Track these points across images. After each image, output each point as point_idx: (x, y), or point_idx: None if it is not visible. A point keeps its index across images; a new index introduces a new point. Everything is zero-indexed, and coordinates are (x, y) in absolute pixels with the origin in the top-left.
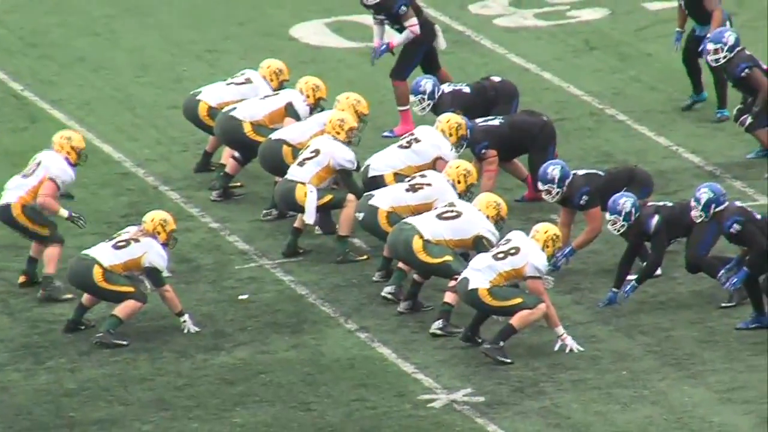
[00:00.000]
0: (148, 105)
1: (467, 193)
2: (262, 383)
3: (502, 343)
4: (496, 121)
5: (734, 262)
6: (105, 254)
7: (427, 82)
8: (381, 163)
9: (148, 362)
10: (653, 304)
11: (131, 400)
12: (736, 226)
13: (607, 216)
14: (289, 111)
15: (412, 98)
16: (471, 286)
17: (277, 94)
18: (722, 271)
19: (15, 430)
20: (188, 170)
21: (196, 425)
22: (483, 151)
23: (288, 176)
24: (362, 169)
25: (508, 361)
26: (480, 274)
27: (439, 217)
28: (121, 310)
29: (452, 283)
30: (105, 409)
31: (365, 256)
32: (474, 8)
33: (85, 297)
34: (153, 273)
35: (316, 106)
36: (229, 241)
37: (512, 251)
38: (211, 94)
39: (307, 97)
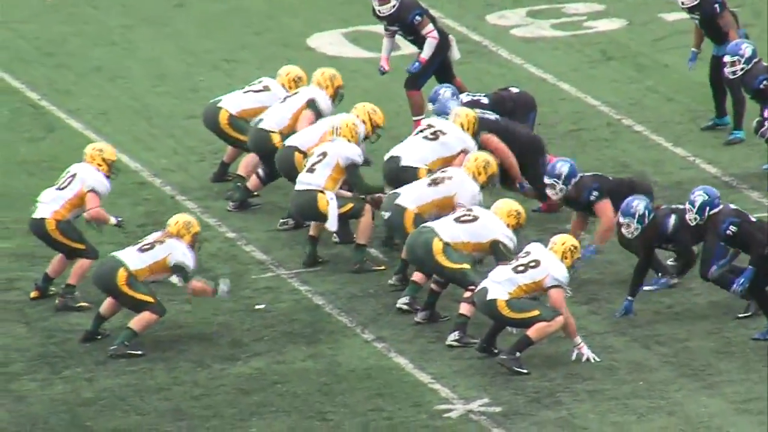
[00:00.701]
0: (164, 115)
1: (489, 185)
2: (278, 393)
3: (518, 354)
4: (494, 116)
5: (727, 259)
6: (131, 257)
7: (446, 91)
8: (414, 155)
9: (165, 372)
10: (669, 314)
11: (148, 410)
12: (732, 228)
13: (621, 219)
14: (312, 107)
15: (430, 107)
16: (489, 297)
17: (296, 93)
18: (714, 268)
19: None
20: (205, 180)
21: None
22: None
23: (300, 186)
24: (387, 158)
25: (524, 371)
26: (499, 286)
27: (457, 220)
28: (137, 322)
29: (467, 294)
30: (121, 418)
31: (382, 267)
32: (491, 18)
33: (103, 307)
34: (180, 269)
35: (336, 96)
36: (245, 250)
37: (532, 264)
38: (231, 102)
39: (326, 88)
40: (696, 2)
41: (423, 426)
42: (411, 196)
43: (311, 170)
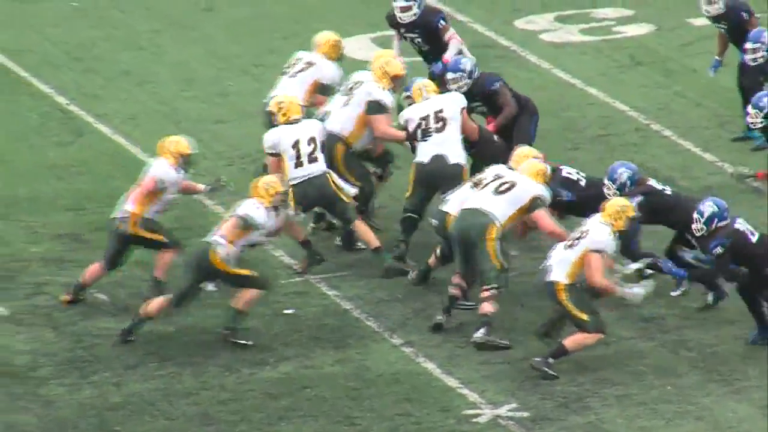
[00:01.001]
0: (193, 119)
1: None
2: (306, 398)
3: (551, 360)
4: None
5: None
6: (215, 238)
7: (467, 62)
8: (461, 156)
9: (193, 377)
10: (698, 319)
11: (176, 415)
12: (719, 249)
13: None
14: (374, 109)
15: (450, 75)
16: (550, 279)
17: (351, 95)
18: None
19: None
20: (233, 184)
21: None
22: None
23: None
24: (431, 157)
25: (553, 374)
26: (557, 268)
27: (497, 192)
28: (240, 301)
29: (485, 294)
30: (149, 423)
31: (411, 266)
32: (520, 23)
33: (144, 308)
34: (246, 221)
35: (393, 84)
36: (275, 255)
37: (582, 236)
38: (278, 93)
39: (381, 80)
40: (721, 11)
41: (451, 430)
42: (456, 203)
43: (314, 159)
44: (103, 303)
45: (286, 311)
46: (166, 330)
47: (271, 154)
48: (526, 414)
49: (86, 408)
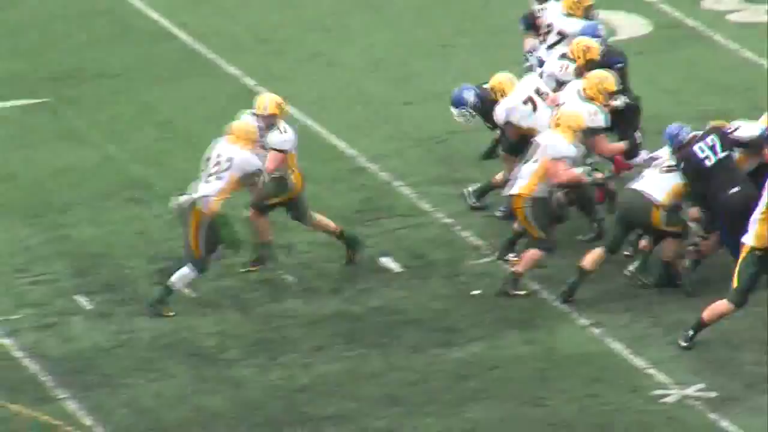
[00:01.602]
0: (380, 101)
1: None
2: (494, 378)
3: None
4: None
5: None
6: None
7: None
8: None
9: (381, 358)
10: None
11: (363, 396)
12: None
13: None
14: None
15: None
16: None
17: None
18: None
19: (249, 424)
20: (420, 165)
21: (430, 421)
22: None
23: None
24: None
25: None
26: (519, 181)
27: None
28: (521, 263)
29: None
30: (337, 405)
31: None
32: (706, 3)
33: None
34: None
35: (587, 67)
36: (462, 236)
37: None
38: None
39: (577, 58)
40: None
41: (639, 411)
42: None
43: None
44: (290, 284)
45: (473, 292)
46: (353, 311)
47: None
48: (713, 394)
49: (274, 389)
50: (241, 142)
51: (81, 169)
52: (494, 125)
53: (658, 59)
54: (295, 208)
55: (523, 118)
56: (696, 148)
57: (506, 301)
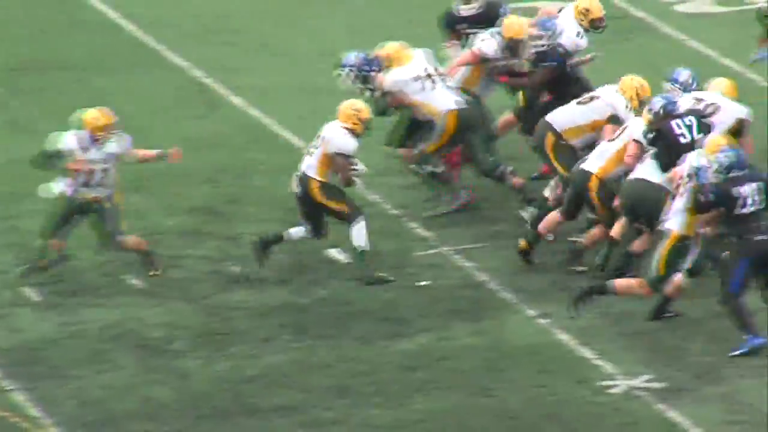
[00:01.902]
0: (328, 91)
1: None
2: (443, 369)
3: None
4: None
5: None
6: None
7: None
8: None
9: (329, 349)
10: None
11: (311, 387)
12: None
13: None
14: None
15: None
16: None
17: (590, 99)
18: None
19: (196, 415)
20: (368, 156)
21: (378, 412)
22: None
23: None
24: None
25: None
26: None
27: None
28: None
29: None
30: (285, 395)
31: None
32: None
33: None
34: None
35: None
36: (409, 227)
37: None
38: None
39: (630, 100)
40: None
41: (586, 402)
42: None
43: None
44: (238, 276)
45: (421, 283)
46: (301, 302)
47: None
48: (661, 385)
49: (222, 381)
50: (341, 118)
51: (30, 160)
52: (372, 90)
53: (605, 50)
54: None
55: (415, 92)
56: (673, 123)
57: (454, 292)
